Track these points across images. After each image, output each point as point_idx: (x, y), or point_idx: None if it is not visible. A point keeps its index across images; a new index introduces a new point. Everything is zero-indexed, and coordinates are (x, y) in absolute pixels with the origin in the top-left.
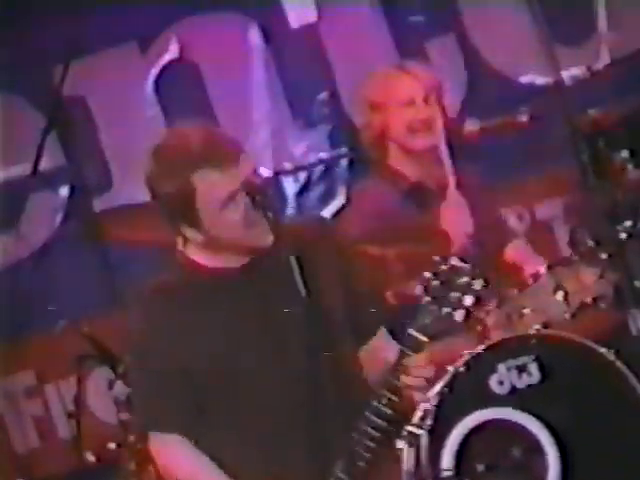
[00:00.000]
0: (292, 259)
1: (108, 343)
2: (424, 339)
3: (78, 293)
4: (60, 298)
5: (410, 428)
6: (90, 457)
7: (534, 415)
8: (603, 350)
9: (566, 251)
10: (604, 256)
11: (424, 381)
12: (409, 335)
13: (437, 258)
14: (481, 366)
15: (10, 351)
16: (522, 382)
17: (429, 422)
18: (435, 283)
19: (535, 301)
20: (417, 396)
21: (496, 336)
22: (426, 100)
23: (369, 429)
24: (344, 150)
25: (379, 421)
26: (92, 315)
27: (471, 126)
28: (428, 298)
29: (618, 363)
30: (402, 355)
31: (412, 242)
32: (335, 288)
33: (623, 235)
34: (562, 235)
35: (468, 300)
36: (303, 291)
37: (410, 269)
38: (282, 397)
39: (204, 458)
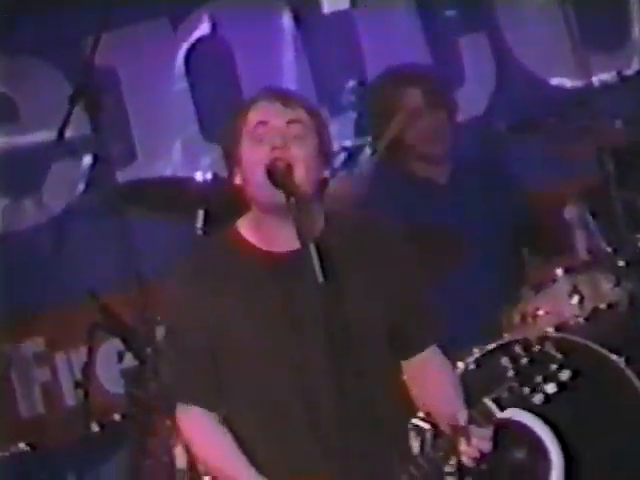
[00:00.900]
0: (311, 246)
1: (122, 316)
2: (496, 412)
3: (95, 264)
4: (77, 268)
5: (416, 422)
6: (94, 427)
7: (539, 416)
8: (614, 357)
9: (584, 256)
10: (621, 263)
11: (479, 454)
12: (482, 403)
13: (534, 339)
14: (491, 364)
15: (24, 318)
16: None
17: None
18: (524, 360)
19: (550, 303)
20: (465, 461)
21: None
22: (431, 105)
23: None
24: (368, 139)
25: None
26: (107, 286)
27: (498, 126)
28: (512, 372)
29: (628, 371)
30: (470, 420)
31: None
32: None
33: None
34: (581, 240)
35: (550, 388)
36: (321, 278)
37: None
38: (297, 386)
39: (227, 437)
